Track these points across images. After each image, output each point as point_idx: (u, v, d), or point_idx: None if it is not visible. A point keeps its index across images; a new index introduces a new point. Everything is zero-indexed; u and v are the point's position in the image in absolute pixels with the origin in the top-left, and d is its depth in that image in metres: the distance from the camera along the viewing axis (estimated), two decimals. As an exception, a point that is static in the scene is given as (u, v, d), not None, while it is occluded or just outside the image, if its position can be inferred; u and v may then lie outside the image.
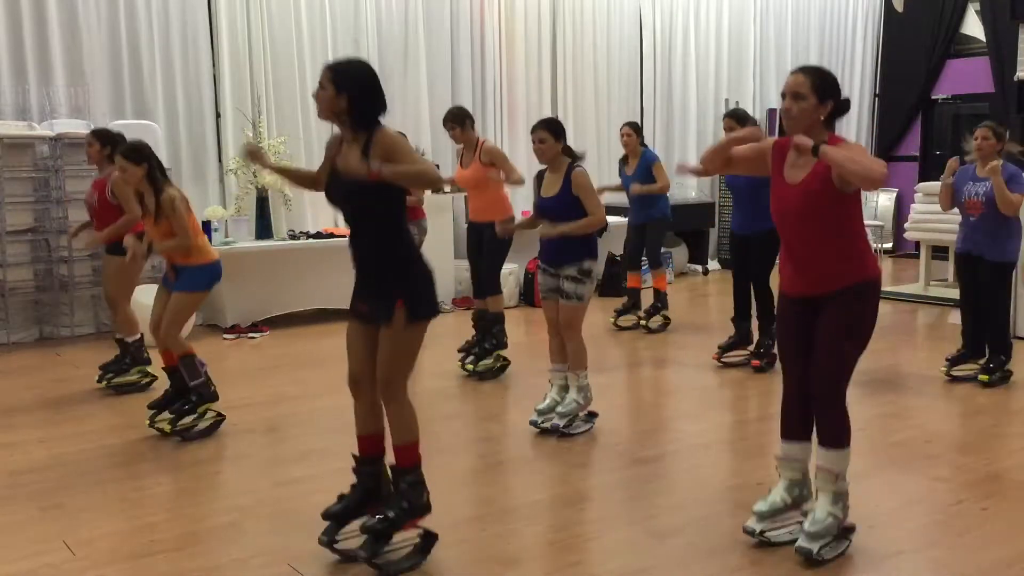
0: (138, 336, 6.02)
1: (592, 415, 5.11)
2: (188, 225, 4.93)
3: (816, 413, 3.49)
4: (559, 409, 5.01)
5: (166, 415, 5.03)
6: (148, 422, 5.01)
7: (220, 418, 5.08)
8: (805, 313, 3.48)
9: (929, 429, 5.09)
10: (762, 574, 3.35)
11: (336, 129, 3.46)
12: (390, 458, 3.49)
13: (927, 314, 8.68)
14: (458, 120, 6.31)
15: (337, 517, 3.51)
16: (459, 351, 6.49)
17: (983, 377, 5.91)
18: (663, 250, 10.44)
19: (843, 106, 3.40)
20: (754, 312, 6.43)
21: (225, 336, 7.74)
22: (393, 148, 3.30)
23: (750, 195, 6.13)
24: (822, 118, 3.34)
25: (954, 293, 8.44)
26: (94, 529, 3.77)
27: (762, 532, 3.55)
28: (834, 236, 3.37)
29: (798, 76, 3.36)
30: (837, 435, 3.44)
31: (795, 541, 3.46)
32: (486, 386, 6.12)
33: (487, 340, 6.31)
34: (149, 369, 6.00)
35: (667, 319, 7.84)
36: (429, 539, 3.47)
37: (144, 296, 6.20)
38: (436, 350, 6.51)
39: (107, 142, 5.88)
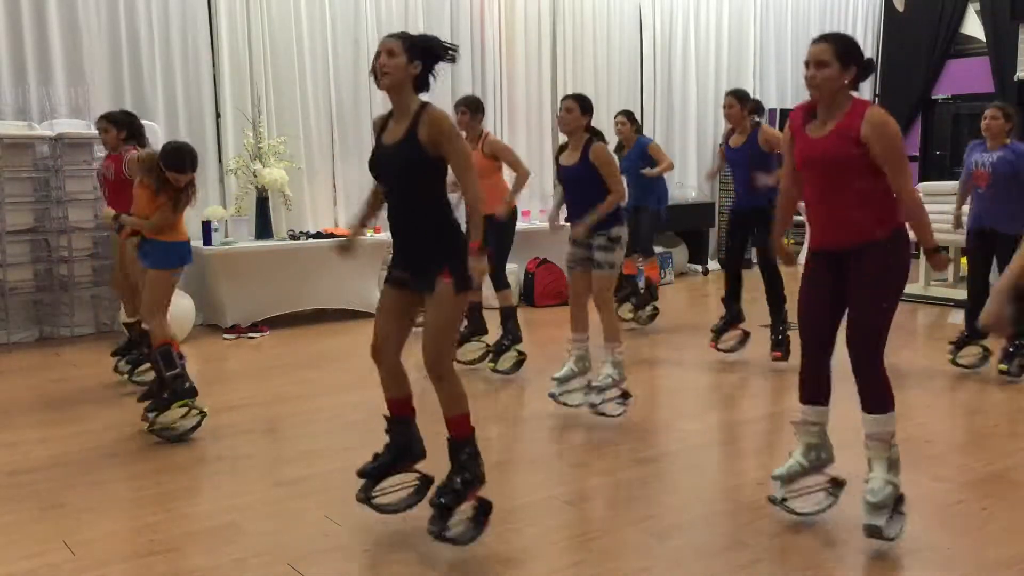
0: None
1: (626, 396, 5.14)
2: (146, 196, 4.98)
3: (858, 378, 3.49)
4: (595, 383, 5.06)
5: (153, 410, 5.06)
6: (141, 416, 5.02)
7: (202, 416, 5.01)
8: (832, 270, 3.49)
9: (930, 429, 5.09)
10: (762, 573, 3.34)
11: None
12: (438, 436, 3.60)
13: (927, 314, 8.68)
14: (471, 106, 6.30)
15: (372, 475, 3.62)
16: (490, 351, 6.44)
17: (1002, 367, 5.86)
18: (662, 250, 10.52)
19: (867, 69, 3.44)
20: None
21: (225, 336, 7.74)
22: (441, 132, 3.36)
23: (749, 168, 6.15)
24: (846, 82, 3.39)
25: (954, 293, 8.47)
26: (94, 529, 3.77)
27: (784, 499, 3.60)
28: (861, 183, 3.38)
29: (820, 44, 3.41)
30: (881, 398, 3.47)
31: (819, 512, 3.55)
32: (486, 386, 6.12)
33: (503, 337, 6.29)
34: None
35: (656, 310, 7.87)
36: (484, 507, 3.53)
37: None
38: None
39: (121, 126, 5.96)
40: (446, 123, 3.39)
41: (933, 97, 12.78)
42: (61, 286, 7.56)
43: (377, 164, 3.54)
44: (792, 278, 4.98)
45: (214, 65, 8.39)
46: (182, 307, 7.32)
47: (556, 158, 5.32)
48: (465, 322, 7.66)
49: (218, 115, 8.46)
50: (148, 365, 5.97)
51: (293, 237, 8.36)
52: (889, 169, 3.37)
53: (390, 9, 9.23)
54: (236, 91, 8.46)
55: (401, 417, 3.67)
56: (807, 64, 3.41)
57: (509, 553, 3.52)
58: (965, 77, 12.31)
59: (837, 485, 3.69)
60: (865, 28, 13.01)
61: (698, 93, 11.60)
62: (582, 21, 10.59)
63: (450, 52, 3.46)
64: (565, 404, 5.15)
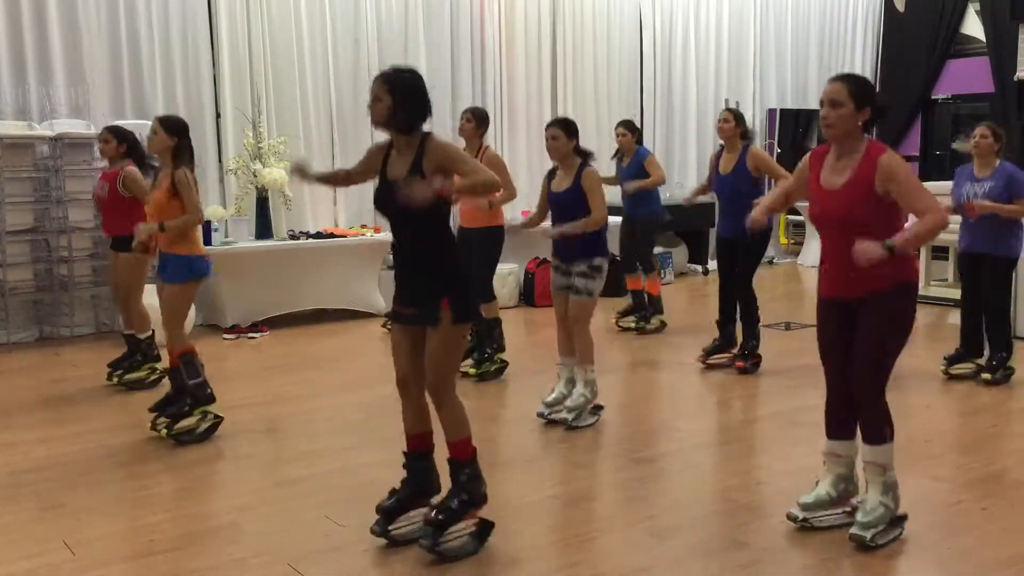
0: (150, 333, 6.07)
1: (598, 408, 5.21)
2: (198, 204, 4.96)
3: (860, 410, 3.57)
4: (567, 403, 5.13)
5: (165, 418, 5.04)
6: (150, 425, 5.00)
7: (218, 420, 5.04)
8: (844, 315, 3.56)
9: (929, 429, 5.09)
10: (762, 573, 3.34)
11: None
12: (441, 453, 3.61)
13: (927, 314, 8.67)
14: (478, 117, 6.24)
15: (389, 512, 3.61)
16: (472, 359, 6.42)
17: (986, 376, 5.91)
18: (662, 250, 10.52)
19: (881, 111, 3.48)
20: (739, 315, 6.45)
21: (225, 336, 7.74)
22: (447, 157, 3.42)
23: (734, 199, 6.17)
24: (860, 123, 3.42)
25: (954, 293, 8.45)
26: (94, 529, 3.77)
27: (805, 519, 3.64)
28: (875, 235, 3.36)
29: (835, 84, 3.45)
30: (880, 431, 3.55)
31: (838, 526, 3.59)
32: (486, 386, 6.12)
33: (488, 344, 6.29)
34: (158, 366, 6.01)
35: (663, 323, 7.85)
36: (485, 527, 3.58)
37: (154, 296, 6.16)
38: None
39: (123, 139, 6.02)
40: (450, 148, 3.49)
41: (933, 97, 12.78)
42: (61, 286, 7.56)
43: (382, 200, 3.54)
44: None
45: (214, 65, 8.39)
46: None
47: (547, 184, 5.23)
48: (629, 299, 7.83)
49: (218, 115, 8.46)
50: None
51: (293, 237, 8.36)
52: (910, 200, 3.38)
53: (390, 9, 9.23)
54: (236, 91, 8.46)
55: (418, 452, 3.67)
56: (822, 103, 3.45)
57: (509, 553, 3.52)
58: (965, 77, 12.31)
59: (855, 512, 3.67)
60: (865, 28, 13.01)
61: (698, 94, 11.59)
62: (582, 21, 10.59)
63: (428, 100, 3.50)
64: (553, 421, 5.17)
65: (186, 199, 4.88)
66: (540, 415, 5.19)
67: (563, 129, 5.08)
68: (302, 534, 3.68)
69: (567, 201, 5.07)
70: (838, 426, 3.67)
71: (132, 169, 5.93)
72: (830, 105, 3.41)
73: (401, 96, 3.41)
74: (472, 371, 6.25)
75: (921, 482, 4.23)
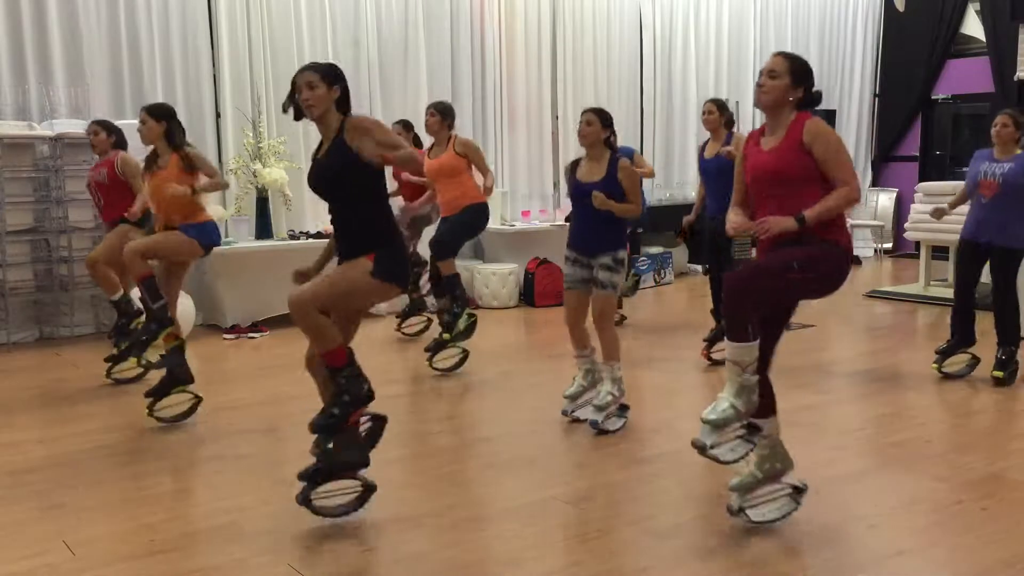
0: (120, 293, 6.26)
1: (624, 408, 5.13)
2: (218, 170, 5.27)
3: (725, 308, 3.51)
4: (595, 402, 5.04)
5: (165, 403, 5.14)
6: (148, 411, 5.04)
7: (197, 400, 5.16)
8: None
9: (929, 429, 5.09)
10: (762, 573, 3.35)
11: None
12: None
13: (927, 314, 8.68)
14: (441, 111, 6.35)
15: (310, 480, 3.73)
16: (425, 350, 6.44)
17: (996, 374, 5.84)
18: (662, 250, 10.52)
19: (813, 98, 3.61)
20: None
21: (225, 336, 7.74)
22: (366, 125, 3.60)
23: (720, 177, 6.16)
24: (791, 99, 3.54)
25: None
26: (94, 529, 3.77)
27: (741, 508, 3.62)
28: (807, 196, 3.46)
29: (777, 58, 3.63)
30: (743, 330, 3.47)
31: (781, 518, 3.62)
32: (485, 386, 6.12)
33: (454, 305, 6.29)
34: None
35: (623, 317, 7.99)
36: (368, 491, 3.74)
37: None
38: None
39: (111, 131, 6.28)
40: (369, 120, 3.67)
41: (933, 97, 12.78)
42: (61, 286, 7.56)
43: (312, 177, 3.76)
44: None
45: (214, 65, 8.39)
46: (182, 307, 7.29)
47: (571, 173, 5.15)
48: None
49: (218, 115, 8.46)
50: (128, 365, 6.09)
51: (293, 237, 8.36)
52: (830, 166, 3.48)
53: (390, 9, 9.23)
54: (236, 91, 8.46)
55: (338, 366, 3.73)
56: (761, 73, 3.59)
57: (509, 553, 3.52)
58: (965, 77, 12.31)
59: (798, 492, 3.68)
60: (865, 28, 13.01)
61: (698, 93, 11.58)
62: (582, 21, 10.59)
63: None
64: (577, 419, 5.11)
65: (206, 169, 5.25)
66: (564, 412, 5.14)
67: (599, 116, 5.03)
68: (302, 534, 3.68)
69: (602, 191, 4.93)
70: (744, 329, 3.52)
71: (127, 154, 6.17)
72: (768, 74, 3.56)
73: (344, 83, 3.68)
74: (439, 365, 6.25)
75: (921, 482, 4.23)
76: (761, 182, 3.59)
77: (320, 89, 3.60)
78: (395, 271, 3.69)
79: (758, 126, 3.81)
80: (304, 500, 3.65)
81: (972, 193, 5.96)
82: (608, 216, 4.94)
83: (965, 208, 6.11)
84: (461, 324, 6.28)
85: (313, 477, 3.67)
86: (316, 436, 3.68)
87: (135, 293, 5.89)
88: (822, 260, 3.53)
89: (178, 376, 5.18)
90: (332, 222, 3.75)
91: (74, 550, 3.57)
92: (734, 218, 3.72)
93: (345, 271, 3.64)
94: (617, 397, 5.07)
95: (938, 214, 6.25)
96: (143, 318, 6.03)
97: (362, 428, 3.76)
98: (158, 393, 5.15)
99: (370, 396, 3.70)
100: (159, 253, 5.30)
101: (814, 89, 3.60)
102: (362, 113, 3.75)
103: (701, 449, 3.51)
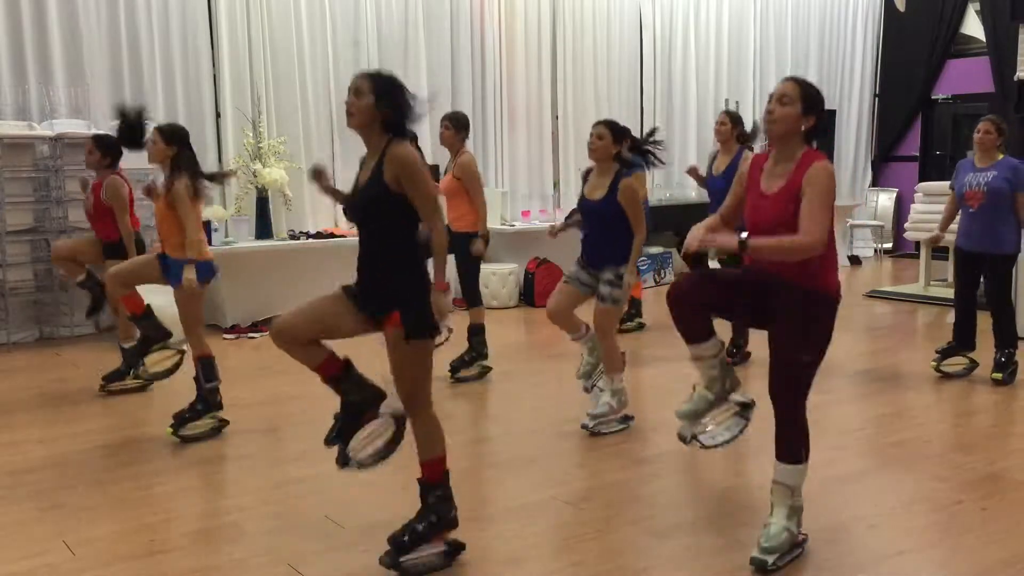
0: (83, 275, 6.20)
1: (628, 418, 5.09)
2: (193, 217, 4.88)
3: (777, 428, 3.42)
4: (590, 411, 5.01)
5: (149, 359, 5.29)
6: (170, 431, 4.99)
7: (224, 423, 5.09)
8: (758, 293, 3.45)
9: (929, 429, 5.09)
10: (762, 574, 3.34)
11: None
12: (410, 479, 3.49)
13: (927, 314, 8.68)
14: (455, 123, 6.21)
15: (338, 439, 3.53)
16: (451, 364, 6.35)
17: (996, 376, 5.88)
18: (661, 251, 10.52)
19: (821, 127, 3.40)
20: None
21: (225, 336, 7.74)
22: (404, 174, 3.23)
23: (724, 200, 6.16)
24: (802, 128, 3.35)
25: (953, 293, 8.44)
26: (94, 529, 3.77)
27: (694, 436, 3.52)
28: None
29: (789, 83, 3.39)
30: (795, 450, 3.40)
31: (733, 439, 3.52)
32: (485, 386, 6.12)
33: (468, 352, 6.28)
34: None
35: (642, 324, 7.99)
36: (454, 549, 3.46)
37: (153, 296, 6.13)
38: (437, 351, 6.48)
39: (107, 151, 5.99)
40: (408, 162, 3.24)
41: (933, 97, 12.79)
42: (61, 286, 7.56)
43: (350, 206, 3.51)
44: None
45: (214, 65, 8.40)
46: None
47: (583, 183, 5.07)
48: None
49: (218, 115, 8.46)
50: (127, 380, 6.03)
51: (293, 237, 8.36)
52: (804, 211, 3.24)
53: (390, 9, 9.23)
54: (236, 91, 8.46)
55: (335, 375, 3.54)
56: (770, 98, 3.38)
57: (509, 553, 3.52)
58: (965, 77, 12.31)
59: (746, 408, 3.55)
60: (865, 28, 13.02)
61: (698, 93, 11.60)
62: (582, 21, 10.59)
63: (414, 108, 3.32)
64: (600, 432, 4.98)
65: (182, 215, 4.86)
66: (585, 389, 5.10)
67: (611, 130, 4.91)
68: (302, 534, 3.68)
69: (602, 210, 4.87)
70: (694, 332, 3.47)
71: (115, 179, 5.96)
72: (778, 101, 3.34)
73: (385, 98, 3.26)
74: (449, 374, 6.21)
75: (921, 482, 4.23)
76: (759, 226, 3.40)
77: (365, 100, 3.23)
78: (424, 323, 3.32)
79: (760, 129, 3.69)
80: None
81: (956, 204, 6.02)
82: (615, 233, 4.87)
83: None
84: (474, 370, 6.25)
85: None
86: (391, 550, 3.36)
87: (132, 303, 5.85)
88: (816, 323, 3.39)
89: (153, 337, 5.33)
90: (359, 254, 3.43)
91: (74, 550, 3.57)
92: (697, 233, 3.51)
93: (395, 362, 3.38)
94: (615, 408, 5.01)
95: (933, 241, 6.38)
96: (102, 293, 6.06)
97: (436, 551, 3.42)
98: (138, 354, 5.39)
99: (455, 522, 3.43)
100: (198, 316, 5.08)
101: (823, 119, 3.40)
102: (402, 145, 3.30)
103: (760, 566, 3.34)
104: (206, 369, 4.99)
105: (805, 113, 3.34)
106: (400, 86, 3.31)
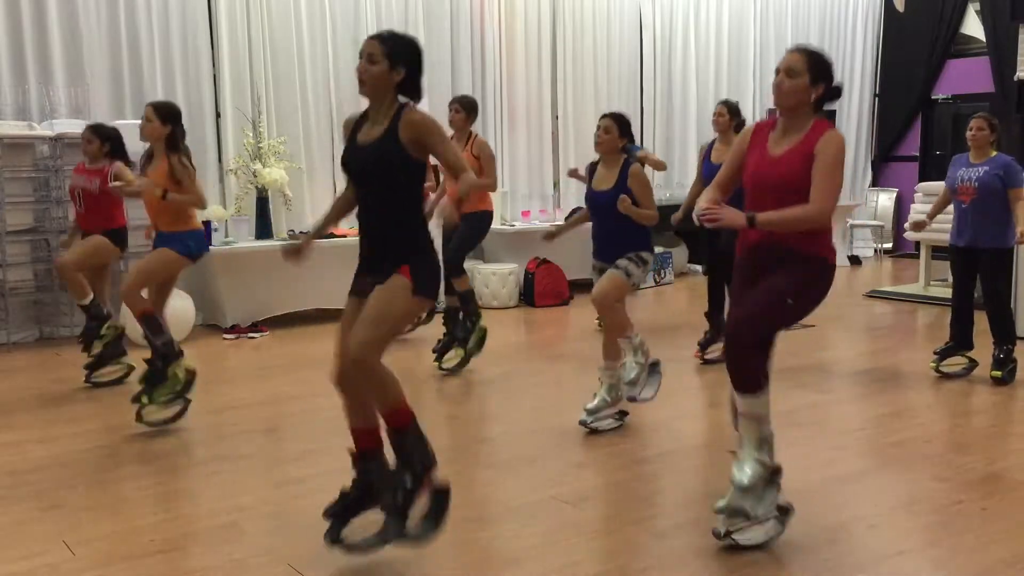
0: (90, 297, 6.13)
1: (623, 414, 5.07)
2: (201, 189, 5.07)
3: (736, 360, 3.38)
4: (625, 380, 4.91)
5: (151, 406, 5.12)
6: (135, 417, 5.02)
7: (185, 404, 5.11)
8: (756, 265, 3.48)
9: (929, 429, 5.09)
10: (762, 573, 3.34)
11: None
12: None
13: (927, 314, 8.68)
14: (466, 106, 6.29)
15: (339, 516, 3.48)
16: (433, 351, 6.43)
17: (995, 373, 5.87)
18: (662, 250, 10.51)
19: (834, 92, 3.42)
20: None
21: (225, 336, 7.74)
22: (427, 131, 3.22)
23: None
24: (812, 98, 3.37)
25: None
26: (94, 529, 3.77)
27: (728, 532, 3.46)
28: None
29: (794, 54, 3.41)
30: (754, 380, 3.38)
31: (767, 542, 3.47)
32: (485, 386, 6.12)
33: (465, 322, 6.29)
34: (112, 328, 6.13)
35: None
36: (441, 497, 3.34)
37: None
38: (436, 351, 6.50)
39: (106, 139, 6.07)
40: (432, 125, 3.26)
41: (933, 97, 12.79)
42: (61, 286, 7.54)
43: (352, 163, 3.38)
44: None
45: (214, 65, 8.40)
46: (182, 307, 7.33)
47: (588, 177, 5.04)
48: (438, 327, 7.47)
49: (218, 115, 8.46)
50: (110, 369, 6.12)
51: (293, 237, 8.35)
52: (815, 179, 3.27)
53: (390, 9, 9.23)
54: (236, 91, 8.46)
55: (368, 450, 3.45)
56: (778, 71, 3.39)
57: (509, 553, 3.52)
58: (965, 77, 12.32)
59: (784, 513, 3.56)
60: (865, 28, 13.02)
61: (698, 93, 11.60)
62: (582, 21, 10.59)
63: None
64: (596, 429, 4.97)
65: (188, 185, 5.01)
66: (582, 423, 4.95)
67: (617, 123, 4.88)
68: (302, 534, 3.68)
69: (610, 203, 4.81)
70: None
71: (123, 166, 5.99)
72: (786, 73, 3.35)
73: (414, 65, 3.26)
74: (447, 365, 6.26)
75: (921, 482, 4.23)
76: (763, 187, 3.41)
77: (379, 66, 3.20)
78: (433, 283, 3.31)
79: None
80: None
81: (948, 197, 6.04)
82: (626, 224, 4.82)
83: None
84: (473, 340, 6.28)
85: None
86: (391, 519, 3.26)
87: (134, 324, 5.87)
88: (812, 284, 3.42)
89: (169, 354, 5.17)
90: (360, 216, 3.36)
91: (74, 550, 3.57)
92: (703, 204, 3.50)
93: (387, 302, 3.22)
94: (644, 364, 4.92)
95: (918, 227, 6.40)
96: (111, 322, 6.10)
97: (427, 509, 3.35)
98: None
99: (434, 458, 3.32)
100: (152, 278, 5.12)
101: (835, 84, 3.41)
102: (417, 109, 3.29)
103: (719, 536, 3.36)
104: (151, 324, 4.99)
105: (813, 83, 3.35)
106: (411, 44, 3.30)
